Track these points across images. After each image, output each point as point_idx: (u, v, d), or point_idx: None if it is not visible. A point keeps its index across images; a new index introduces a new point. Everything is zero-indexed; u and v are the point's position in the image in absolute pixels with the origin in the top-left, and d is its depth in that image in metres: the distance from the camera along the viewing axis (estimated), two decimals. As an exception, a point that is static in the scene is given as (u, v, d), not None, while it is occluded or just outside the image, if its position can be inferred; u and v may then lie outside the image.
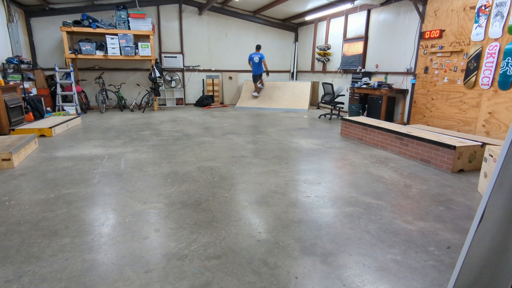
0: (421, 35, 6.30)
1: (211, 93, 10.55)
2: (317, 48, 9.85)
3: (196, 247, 2.14)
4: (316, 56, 10.12)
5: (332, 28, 9.33)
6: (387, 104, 6.91)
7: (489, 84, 5.02)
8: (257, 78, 9.66)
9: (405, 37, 6.77)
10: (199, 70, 10.42)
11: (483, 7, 5.09)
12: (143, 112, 8.70)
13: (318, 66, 10.18)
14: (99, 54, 8.22)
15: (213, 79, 10.56)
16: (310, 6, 8.88)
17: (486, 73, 5.05)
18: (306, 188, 3.24)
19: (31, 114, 6.75)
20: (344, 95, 8.05)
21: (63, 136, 5.56)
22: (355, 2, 7.45)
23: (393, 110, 7.20)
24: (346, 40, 8.70)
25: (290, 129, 6.46)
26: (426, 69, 6.26)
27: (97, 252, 2.08)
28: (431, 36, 6.06)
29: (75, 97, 7.85)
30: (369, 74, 7.79)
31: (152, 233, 2.32)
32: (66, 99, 8.22)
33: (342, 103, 7.80)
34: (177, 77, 10.07)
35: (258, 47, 9.38)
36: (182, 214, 2.63)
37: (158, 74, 8.73)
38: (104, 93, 8.69)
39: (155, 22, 9.49)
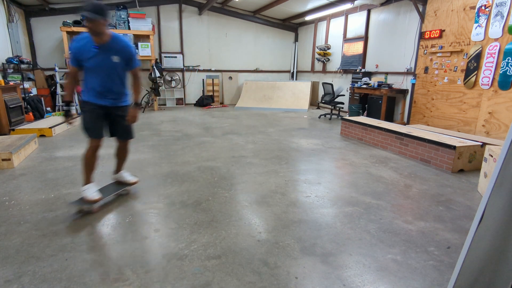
0: (421, 35, 6.30)
1: (211, 93, 10.55)
2: (317, 48, 9.84)
3: (196, 247, 2.14)
4: (316, 56, 10.12)
5: (332, 28, 9.33)
6: (387, 104, 6.91)
7: (489, 84, 5.02)
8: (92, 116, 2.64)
9: (405, 37, 6.77)
10: (199, 70, 10.42)
11: (483, 7, 5.09)
12: (143, 112, 8.70)
13: (318, 66, 10.18)
14: (99, 54, 8.21)
15: (213, 79, 10.56)
16: (310, 6, 8.87)
17: (486, 73, 5.05)
18: (306, 188, 3.24)
19: (31, 114, 6.74)
20: (344, 95, 8.04)
21: (63, 136, 5.56)
22: (355, 2, 7.45)
23: (393, 110, 7.20)
24: (346, 40, 8.70)
25: (290, 129, 6.46)
26: (426, 69, 6.26)
27: (97, 252, 2.08)
28: (431, 36, 6.05)
29: (75, 97, 7.85)
30: (369, 74, 7.79)
31: (152, 233, 2.32)
32: (66, 99, 8.21)
33: (342, 103, 7.80)
34: (177, 77, 10.07)
35: (97, 9, 2.31)
36: (182, 214, 2.63)
37: (158, 74, 8.73)
38: (104, 93, 8.67)
39: (155, 22, 9.49)
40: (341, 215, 2.66)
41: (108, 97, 2.62)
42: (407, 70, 6.74)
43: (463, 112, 5.54)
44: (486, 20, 5.03)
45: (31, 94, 7.17)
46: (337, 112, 8.21)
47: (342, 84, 8.76)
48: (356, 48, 8.30)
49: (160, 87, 9.45)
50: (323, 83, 7.89)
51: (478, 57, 5.18)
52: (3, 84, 5.76)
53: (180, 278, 1.83)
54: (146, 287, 1.75)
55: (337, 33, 9.09)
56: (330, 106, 8.26)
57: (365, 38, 7.92)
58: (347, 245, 2.20)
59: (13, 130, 5.34)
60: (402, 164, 4.13)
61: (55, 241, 2.19)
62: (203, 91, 10.54)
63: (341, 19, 8.84)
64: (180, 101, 10.29)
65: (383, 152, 4.75)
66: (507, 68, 4.71)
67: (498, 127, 4.94)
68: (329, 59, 9.59)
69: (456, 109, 5.66)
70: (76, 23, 7.91)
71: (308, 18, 9.62)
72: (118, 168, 3.04)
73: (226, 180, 3.45)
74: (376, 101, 7.09)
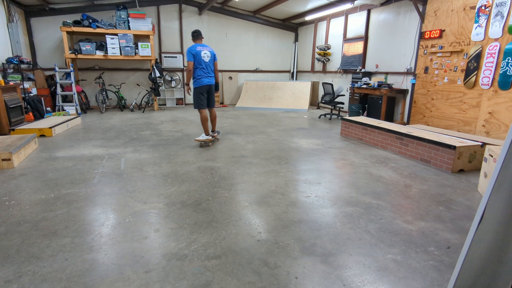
0: (421, 35, 6.30)
1: (211, 93, 10.54)
2: (317, 48, 9.84)
3: (196, 247, 2.14)
4: (316, 56, 10.12)
5: (332, 28, 9.33)
6: (387, 104, 6.91)
7: (489, 84, 5.02)
8: (205, 94, 5.02)
9: (405, 37, 6.77)
10: (199, 70, 10.40)
11: (483, 7, 5.09)
12: (143, 112, 8.70)
13: (318, 66, 10.18)
14: (99, 54, 8.22)
15: (213, 79, 10.54)
16: (310, 6, 8.87)
17: (486, 73, 5.05)
18: (306, 188, 3.24)
19: (31, 114, 6.75)
20: (344, 95, 8.04)
21: (63, 136, 5.56)
22: (355, 2, 7.45)
23: (393, 110, 7.20)
24: (346, 40, 8.70)
25: (290, 129, 6.46)
26: (426, 69, 6.26)
27: (97, 252, 2.08)
28: (431, 36, 6.05)
29: (75, 97, 7.85)
30: (369, 74, 7.79)
31: (152, 233, 2.32)
32: (66, 99, 8.22)
33: (342, 103, 7.80)
34: (177, 77, 10.07)
35: (197, 35, 4.87)
36: (182, 214, 2.63)
37: (158, 74, 8.73)
38: (104, 93, 8.69)
39: (155, 22, 9.49)
40: (341, 215, 2.66)
41: (210, 79, 5.21)
42: (407, 70, 6.74)
43: (463, 112, 5.54)
44: (486, 20, 5.04)
45: (31, 94, 7.17)
46: (337, 112, 8.22)
47: (342, 84, 8.76)
48: (356, 48, 8.30)
49: (160, 87, 9.45)
50: (323, 83, 7.89)
51: (478, 57, 5.18)
52: (3, 84, 5.76)
53: (180, 278, 1.83)
54: (146, 287, 1.75)
55: (337, 33, 9.09)
56: (330, 106, 8.27)
57: (365, 38, 7.92)
58: (347, 245, 2.20)
59: (13, 130, 5.34)
60: (402, 164, 4.13)
61: (55, 241, 2.19)
62: (203, 91, 10.52)
63: (341, 19, 8.84)
64: (180, 101, 10.28)
65: (383, 152, 4.75)
66: (507, 68, 4.71)
67: (498, 127, 4.94)
68: (329, 59, 9.59)
69: (456, 109, 5.66)
70: (76, 23, 7.91)
71: (308, 18, 9.62)
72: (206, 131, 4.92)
73: (226, 180, 3.45)
74: (376, 101, 7.10)
